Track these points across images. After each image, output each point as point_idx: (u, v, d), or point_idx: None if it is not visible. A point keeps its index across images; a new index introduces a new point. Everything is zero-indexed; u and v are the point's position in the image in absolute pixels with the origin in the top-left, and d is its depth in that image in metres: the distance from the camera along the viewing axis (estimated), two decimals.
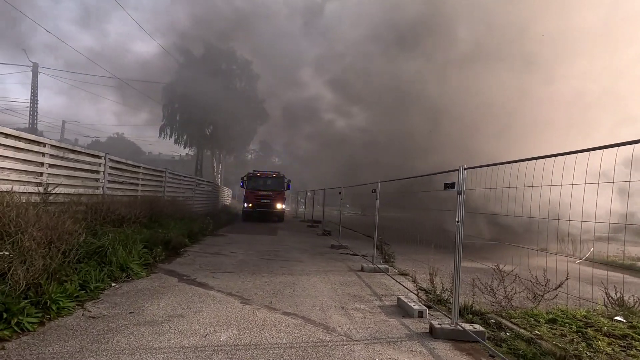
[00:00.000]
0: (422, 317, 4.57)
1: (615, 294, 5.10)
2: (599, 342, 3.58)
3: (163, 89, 30.35)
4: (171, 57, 31.09)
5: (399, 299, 5.17)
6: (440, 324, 4.00)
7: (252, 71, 35.07)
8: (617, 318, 4.54)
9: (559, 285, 4.68)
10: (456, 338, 3.85)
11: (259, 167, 24.65)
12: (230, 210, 25.27)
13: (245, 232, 13.77)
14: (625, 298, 4.98)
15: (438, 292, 5.37)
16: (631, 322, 4.37)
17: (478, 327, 3.96)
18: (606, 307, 4.92)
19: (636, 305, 4.84)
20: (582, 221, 3.69)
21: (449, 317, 4.39)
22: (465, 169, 4.08)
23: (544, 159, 3.37)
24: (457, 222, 4.10)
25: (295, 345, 3.52)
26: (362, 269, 7.42)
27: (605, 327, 4.03)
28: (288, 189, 20.89)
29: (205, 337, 3.60)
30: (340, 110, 27.99)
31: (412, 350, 3.56)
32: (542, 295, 4.79)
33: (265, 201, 19.75)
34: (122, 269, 5.73)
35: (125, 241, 6.35)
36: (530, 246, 5.34)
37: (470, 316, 4.51)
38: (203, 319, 4.11)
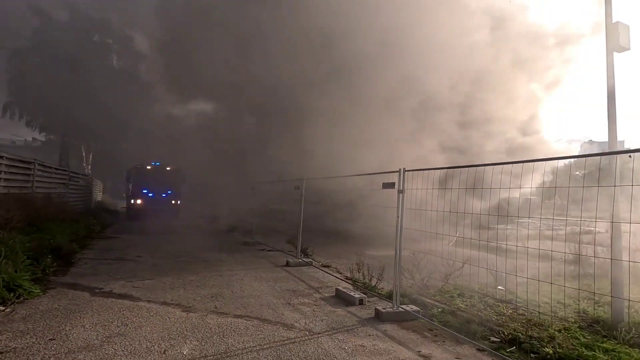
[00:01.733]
0: (362, 304, 5.04)
1: (492, 270, 6.56)
2: (500, 307, 4.63)
3: (11, 56, 24.02)
4: (21, 18, 24.77)
5: (337, 289, 5.55)
6: (384, 309, 4.52)
7: (134, 49, 30.81)
8: (499, 287, 5.87)
9: (460, 269, 5.79)
10: (399, 319, 4.42)
11: (139, 159, 21.68)
12: (108, 207, 21.96)
13: (140, 233, 12.28)
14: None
15: (367, 281, 5.96)
16: (508, 289, 5.72)
17: (414, 307, 4.63)
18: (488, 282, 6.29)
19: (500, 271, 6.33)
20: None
21: (386, 301, 4.98)
22: (405, 171, 4.67)
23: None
24: (398, 217, 4.68)
25: (265, 346, 3.51)
26: (287, 264, 7.58)
27: (497, 296, 5.20)
28: (184, 182, 19.32)
29: (164, 353, 3.28)
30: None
31: (369, 335, 3.95)
32: (450, 275, 5.83)
33: (157, 197, 17.87)
34: (8, 288, 4.60)
35: (6, 253, 5.07)
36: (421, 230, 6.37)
37: (401, 298, 5.18)
38: (150, 334, 3.69)
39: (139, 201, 17.48)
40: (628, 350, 3.36)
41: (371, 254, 7.61)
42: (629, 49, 4.19)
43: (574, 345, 3.41)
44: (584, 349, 3.31)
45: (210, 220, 17.90)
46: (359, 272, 6.23)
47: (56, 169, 12.40)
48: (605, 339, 3.68)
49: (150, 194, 17.66)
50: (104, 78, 25.77)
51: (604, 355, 3.20)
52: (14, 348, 3.24)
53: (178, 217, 18.94)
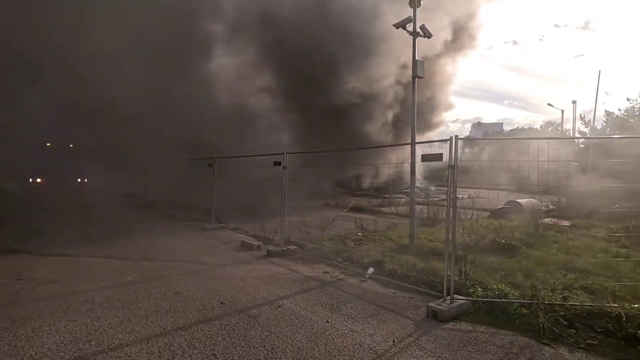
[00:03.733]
0: (260, 249, 6.99)
1: (359, 224, 9.11)
2: (349, 244, 7.02)
3: None
4: None
5: (242, 241, 7.42)
6: (273, 248, 6.55)
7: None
8: (359, 234, 8.38)
9: (331, 222, 8.14)
10: (283, 255, 6.49)
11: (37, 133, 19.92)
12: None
13: (52, 211, 12.35)
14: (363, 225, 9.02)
15: (266, 235, 7.94)
16: (363, 234, 8.27)
17: (295, 247, 6.76)
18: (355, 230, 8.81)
19: (367, 227, 8.93)
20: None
21: (276, 246, 7.01)
22: (288, 153, 6.63)
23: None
24: (283, 186, 6.67)
25: (187, 272, 5.24)
26: (204, 229, 9.15)
27: (353, 237, 7.65)
28: (91, 159, 18.74)
29: (114, 279, 4.79)
30: None
31: (260, 263, 5.93)
32: (325, 227, 8.14)
33: (61, 174, 17.23)
34: None
35: None
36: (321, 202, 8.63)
37: (289, 243, 7.28)
38: (99, 273, 5.11)
39: (38, 180, 16.70)
40: (407, 257, 5.90)
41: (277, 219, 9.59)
42: (423, 77, 6.68)
43: (389, 256, 5.85)
44: (393, 254, 5.78)
45: (126, 198, 17.99)
46: (261, 230, 8.19)
47: None
48: (402, 254, 6.25)
49: (51, 172, 16.94)
50: None
51: (402, 258, 5.67)
52: None
53: (87, 195, 18.50)
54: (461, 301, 3.89)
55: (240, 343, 3.08)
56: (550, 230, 8.60)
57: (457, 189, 4.09)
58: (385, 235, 8.01)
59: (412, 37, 6.70)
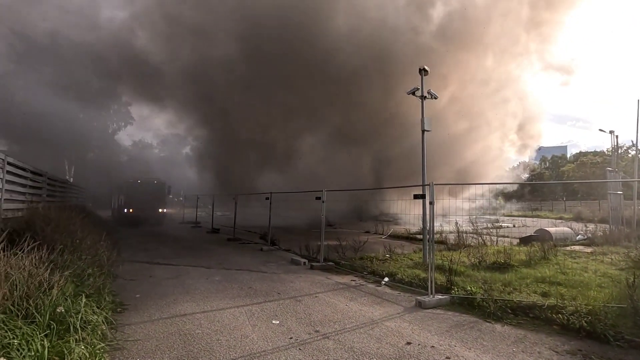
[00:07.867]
0: (305, 264, 9.04)
1: (388, 248, 10.82)
2: (375, 262, 8.81)
3: None
4: None
5: (292, 258, 9.55)
6: (315, 263, 8.58)
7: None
8: (387, 255, 10.10)
9: (362, 245, 9.99)
10: (323, 268, 8.47)
11: (128, 168, 24.66)
12: (96, 215, 24.59)
13: (141, 235, 15.59)
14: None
15: (310, 254, 9.99)
16: (391, 255, 9.96)
17: (332, 263, 8.72)
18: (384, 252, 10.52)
19: (396, 250, 10.60)
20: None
21: (317, 261, 9.02)
22: (326, 191, 8.76)
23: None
24: (322, 215, 8.76)
25: (254, 277, 7.43)
26: (261, 250, 11.45)
27: (380, 257, 9.41)
28: (168, 194, 22.52)
29: (207, 278, 7.12)
30: None
31: (305, 273, 7.97)
32: (358, 249, 10.00)
33: (145, 206, 20.98)
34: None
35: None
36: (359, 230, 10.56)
37: (329, 262, 9.23)
38: (195, 275, 7.48)
39: (131, 210, 20.55)
40: (416, 270, 7.55)
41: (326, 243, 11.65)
42: (430, 130, 8.57)
43: (402, 270, 7.58)
44: (406, 269, 7.52)
45: (194, 225, 21.27)
46: (306, 250, 10.28)
47: (71, 184, 15.47)
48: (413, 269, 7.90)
49: (140, 204, 20.74)
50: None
51: (411, 272, 7.37)
52: (134, 279, 6.94)
53: (163, 223, 22.12)
54: (441, 297, 5.57)
55: (290, 311, 5.11)
56: (565, 255, 9.63)
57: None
58: (408, 256, 9.66)
59: (421, 100, 8.67)
